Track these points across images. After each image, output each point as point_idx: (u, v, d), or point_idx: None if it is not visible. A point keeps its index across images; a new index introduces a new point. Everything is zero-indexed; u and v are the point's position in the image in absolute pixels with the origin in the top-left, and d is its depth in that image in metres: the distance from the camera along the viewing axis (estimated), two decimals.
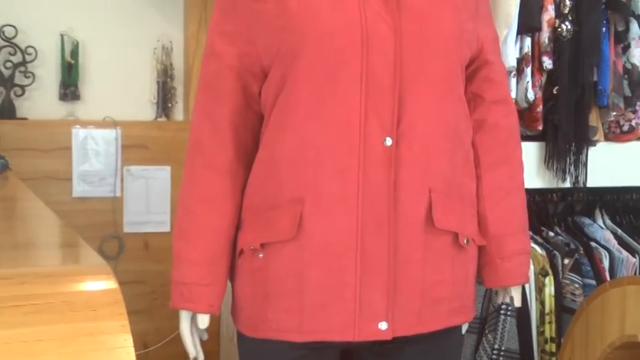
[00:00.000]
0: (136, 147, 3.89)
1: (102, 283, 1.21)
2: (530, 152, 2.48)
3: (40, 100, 3.78)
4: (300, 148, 1.65)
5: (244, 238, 1.74)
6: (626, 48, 2.50)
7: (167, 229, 3.86)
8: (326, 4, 1.63)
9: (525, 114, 2.46)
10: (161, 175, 3.91)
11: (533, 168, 2.48)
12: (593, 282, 2.56)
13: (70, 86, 3.80)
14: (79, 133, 3.79)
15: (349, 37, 1.61)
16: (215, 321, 1.75)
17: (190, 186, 1.77)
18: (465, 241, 1.74)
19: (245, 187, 1.76)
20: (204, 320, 1.76)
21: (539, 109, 2.45)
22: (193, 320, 1.77)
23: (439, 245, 1.70)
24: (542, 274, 2.51)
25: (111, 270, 1.24)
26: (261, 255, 1.70)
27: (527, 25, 2.37)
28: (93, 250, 1.47)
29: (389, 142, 1.63)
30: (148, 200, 3.89)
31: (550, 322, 2.54)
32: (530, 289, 2.49)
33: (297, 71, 1.64)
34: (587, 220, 2.78)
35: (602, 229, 2.73)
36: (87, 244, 1.51)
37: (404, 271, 1.66)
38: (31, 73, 3.73)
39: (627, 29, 2.48)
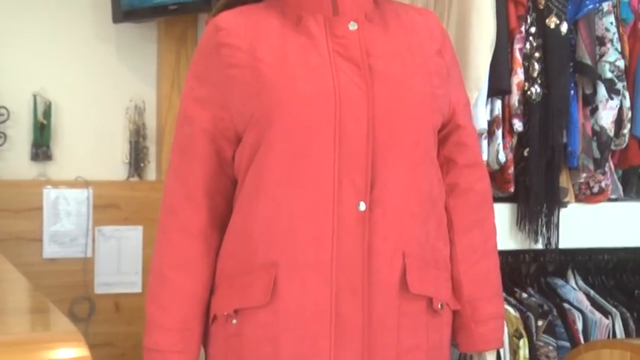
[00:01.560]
0: (108, 207, 3.87)
1: (72, 350, 1.20)
2: (503, 214, 2.49)
3: (12, 161, 3.76)
4: (274, 213, 1.65)
5: (218, 303, 1.73)
6: (594, 110, 2.53)
7: (139, 289, 3.82)
8: (300, 70, 1.65)
9: (497, 176, 2.47)
10: (133, 235, 3.89)
11: (505, 229, 2.49)
12: (567, 344, 2.55)
13: (41, 146, 3.78)
14: (50, 194, 3.77)
15: (323, 103, 1.63)
16: None
17: (163, 250, 1.76)
18: (440, 306, 1.74)
19: (218, 251, 1.76)
20: None
21: (511, 170, 2.46)
22: None
23: (414, 310, 1.69)
24: (516, 335, 2.51)
25: (82, 336, 1.22)
26: (234, 321, 1.69)
27: (497, 88, 2.39)
28: (63, 314, 1.45)
29: (362, 207, 1.63)
30: (120, 261, 3.86)
31: None
32: (505, 351, 2.48)
33: (271, 136, 1.65)
34: (559, 282, 2.78)
35: (574, 290, 2.73)
36: (57, 309, 1.49)
37: (379, 337, 1.65)
38: (3, 133, 3.72)
39: (594, 92, 2.51)
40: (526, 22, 2.45)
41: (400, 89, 1.68)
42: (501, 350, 2.45)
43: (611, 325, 2.63)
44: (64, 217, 3.78)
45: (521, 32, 2.44)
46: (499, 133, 2.43)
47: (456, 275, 1.80)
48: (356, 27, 1.71)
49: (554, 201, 2.49)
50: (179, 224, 1.75)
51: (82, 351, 1.19)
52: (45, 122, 3.78)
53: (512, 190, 2.49)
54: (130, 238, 3.88)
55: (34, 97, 3.78)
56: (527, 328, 2.54)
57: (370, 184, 1.64)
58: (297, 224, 1.63)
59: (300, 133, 1.63)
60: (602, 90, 2.52)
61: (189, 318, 1.73)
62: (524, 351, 2.51)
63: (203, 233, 1.74)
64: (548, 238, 2.48)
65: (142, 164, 3.98)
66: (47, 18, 3.83)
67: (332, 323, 1.63)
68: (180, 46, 3.93)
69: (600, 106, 2.53)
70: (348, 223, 1.63)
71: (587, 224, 2.59)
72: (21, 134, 3.78)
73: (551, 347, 2.53)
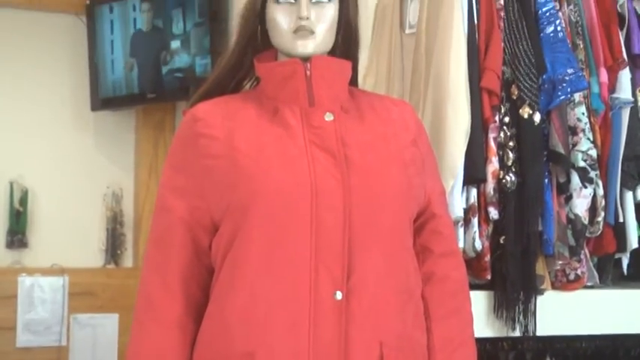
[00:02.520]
0: (84, 294, 3.85)
1: None
2: (480, 301, 2.49)
3: None
4: (251, 303, 1.65)
5: None
6: (569, 199, 2.55)
7: None
8: (276, 160, 1.67)
9: (473, 263, 2.47)
10: (108, 323, 3.86)
11: (482, 317, 2.48)
12: None
13: (17, 234, 3.78)
14: (25, 281, 3.75)
15: (299, 193, 1.64)
16: None
17: (139, 340, 1.75)
18: None
19: (195, 342, 1.74)
20: None
21: (487, 258, 2.47)
22: None
23: None
24: None
25: None
26: None
27: (473, 176, 2.41)
28: None
29: (339, 296, 1.63)
30: (95, 349, 3.82)
31: None
32: None
33: (248, 226, 1.66)
34: None
35: None
36: None
37: None
38: None
39: (568, 181, 2.53)
40: (500, 111, 2.48)
41: (376, 179, 1.69)
42: None
43: None
44: (39, 305, 3.75)
45: (496, 122, 2.46)
46: (475, 221, 2.44)
47: None
48: (332, 118, 1.73)
49: (530, 288, 2.49)
50: (155, 314, 1.74)
51: None
52: (21, 209, 3.78)
53: (488, 277, 2.49)
54: (106, 326, 3.85)
55: (11, 184, 3.79)
56: None
57: (347, 273, 1.64)
58: (273, 313, 1.63)
59: (277, 223, 1.64)
60: (575, 178, 2.54)
61: None
62: None
63: (179, 323, 1.72)
64: (526, 326, 2.48)
65: (118, 251, 3.98)
66: (26, 105, 3.87)
67: None
68: (158, 134, 3.97)
69: (574, 195, 2.55)
70: (325, 312, 1.62)
71: (564, 312, 2.59)
72: None
73: None
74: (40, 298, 3.75)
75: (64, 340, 3.77)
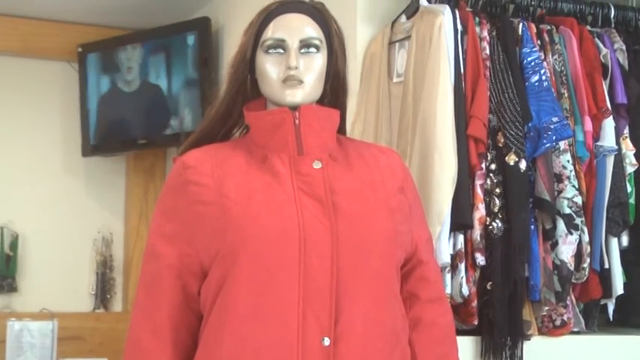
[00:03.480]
0: (73, 339, 3.84)
1: None
2: (467, 347, 2.49)
3: None
4: (239, 348, 1.65)
5: None
6: (555, 245, 2.56)
7: None
8: (264, 207, 1.68)
9: (460, 309, 2.48)
10: None
11: None
12: None
13: (7, 278, 3.77)
14: (14, 326, 3.73)
15: (287, 240, 1.65)
16: None
17: None
18: None
19: None
20: None
21: (474, 304, 2.48)
22: None
23: None
24: None
25: None
26: None
27: (460, 222, 2.43)
28: None
29: (327, 342, 1.64)
30: None
31: None
32: None
33: (237, 272, 1.66)
34: None
35: None
36: None
37: None
38: None
39: (554, 227, 2.55)
40: (486, 159, 2.50)
41: (363, 226, 1.71)
42: None
43: None
44: (28, 350, 3.73)
45: (482, 169, 2.49)
46: (462, 266, 2.45)
47: None
48: (320, 165, 1.74)
49: (517, 334, 2.50)
50: (144, 359, 1.74)
51: None
52: (11, 254, 3.78)
53: (475, 323, 2.50)
54: None
55: (1, 229, 3.79)
56: None
57: (334, 319, 1.65)
58: (262, 359, 1.63)
59: (265, 269, 1.65)
60: (561, 225, 2.56)
61: None
62: None
63: None
64: None
65: (108, 295, 3.97)
66: (17, 149, 3.88)
67: None
68: (148, 179, 3.98)
69: (560, 241, 2.56)
70: (313, 358, 1.63)
71: (551, 357, 2.60)
72: None
73: None
74: (30, 343, 3.73)
75: None
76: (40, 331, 3.75)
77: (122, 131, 3.78)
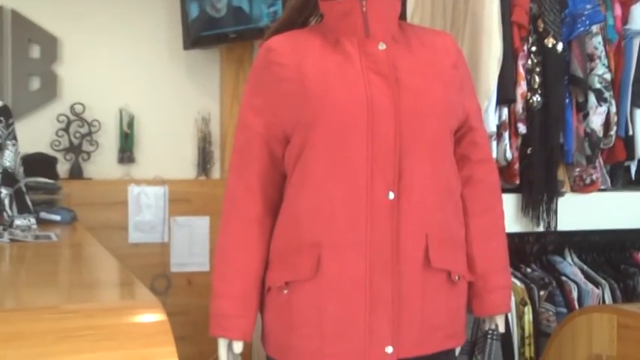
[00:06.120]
0: (181, 201, 3.91)
1: (153, 316, 1.21)
2: (510, 202, 2.47)
3: (102, 163, 3.81)
4: (318, 202, 1.65)
5: (271, 277, 1.73)
6: (586, 116, 2.50)
7: (207, 269, 3.85)
8: (337, 82, 1.65)
9: (505, 170, 2.45)
10: (202, 224, 3.92)
11: (512, 215, 2.47)
12: (565, 310, 2.53)
13: (126, 151, 3.83)
14: (133, 190, 3.81)
15: (357, 109, 1.62)
16: (247, 347, 1.73)
17: (226, 234, 1.77)
18: (457, 278, 1.73)
19: (272, 234, 1.76)
20: (238, 346, 1.74)
21: (516, 166, 2.44)
22: (229, 346, 1.75)
23: (435, 281, 1.68)
24: (522, 303, 2.48)
25: (161, 304, 1.23)
26: (285, 291, 1.69)
27: (504, 97, 2.37)
28: (145, 287, 1.46)
29: (391, 196, 1.62)
30: (191, 245, 3.89)
31: (529, 345, 2.50)
32: (512, 316, 2.46)
33: (314, 138, 1.65)
34: (558, 259, 2.75)
35: (571, 266, 2.70)
36: (140, 283, 1.51)
37: (406, 304, 1.64)
38: (96, 141, 3.77)
39: (586, 100, 2.48)
40: (528, 42, 2.43)
41: (422, 98, 1.67)
42: (509, 315, 2.43)
43: (601, 294, 2.60)
44: (145, 210, 3.82)
45: (524, 51, 2.42)
46: (506, 135, 2.41)
47: (470, 252, 1.79)
48: (384, 47, 1.70)
49: (553, 191, 2.46)
50: (239, 212, 1.75)
51: (161, 316, 1.20)
52: (129, 132, 3.83)
53: (517, 182, 2.47)
54: (200, 226, 3.91)
55: (120, 111, 3.83)
56: (531, 297, 2.51)
57: (398, 177, 1.63)
58: (337, 211, 1.63)
59: (339, 135, 1.63)
60: (592, 98, 2.49)
61: (248, 289, 1.73)
62: (528, 316, 2.49)
63: (259, 219, 1.74)
64: (548, 222, 2.46)
65: (208, 165, 4.01)
66: (130, 46, 3.88)
67: (367, 293, 1.62)
68: (238, 67, 3.96)
69: (591, 112, 2.50)
70: (380, 210, 1.62)
71: (581, 210, 2.56)
72: (109, 142, 3.83)
73: (551, 313, 2.51)
74: (146, 204, 3.81)
75: (166, 237, 3.84)
76: (155, 195, 3.83)
77: (216, 27, 3.74)
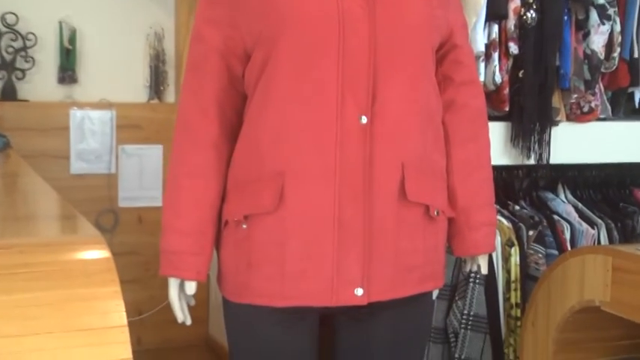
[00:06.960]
0: (130, 127, 3.89)
1: (96, 252, 1.21)
2: (497, 131, 2.48)
3: (40, 83, 3.77)
4: (282, 125, 1.64)
5: (229, 209, 1.73)
6: (586, 35, 2.50)
7: (159, 203, 3.81)
8: None
9: (493, 96, 2.46)
10: (154, 154, 3.91)
11: (500, 146, 2.48)
12: (556, 252, 2.57)
13: (67, 70, 3.78)
14: (76, 114, 3.78)
15: (326, 22, 1.60)
16: (203, 289, 1.74)
17: (178, 161, 1.76)
18: (436, 213, 1.74)
19: (230, 161, 1.75)
20: (191, 287, 1.75)
21: (506, 91, 2.45)
22: (181, 287, 1.76)
23: (411, 216, 1.69)
24: (508, 244, 2.52)
25: (104, 240, 1.23)
26: (244, 226, 1.69)
27: (495, 12, 2.37)
28: (88, 222, 1.46)
29: (364, 120, 1.62)
30: (142, 177, 3.89)
31: (515, 290, 2.55)
32: (497, 258, 2.50)
33: (278, 54, 1.63)
34: (550, 195, 2.79)
35: (564, 203, 2.73)
36: (83, 217, 1.50)
37: (378, 241, 1.66)
38: (31, 57, 3.72)
39: (587, 18, 2.48)
40: None
41: (400, 9, 1.65)
42: (494, 257, 2.47)
43: (596, 235, 2.65)
44: (90, 137, 3.79)
45: None
46: (496, 55, 2.41)
47: (451, 185, 1.80)
48: None
49: (546, 120, 2.48)
50: (192, 136, 1.74)
51: (104, 253, 1.20)
52: (70, 47, 3.78)
53: (507, 109, 2.48)
54: (151, 156, 3.90)
55: (60, 23, 3.76)
56: (518, 237, 2.55)
57: (372, 99, 1.62)
58: (302, 136, 1.63)
59: (305, 50, 1.61)
60: (594, 15, 2.49)
61: (203, 222, 1.73)
62: (515, 258, 2.53)
63: (215, 144, 1.73)
64: (540, 155, 2.48)
65: (161, 87, 3.98)
66: None
67: (335, 227, 1.63)
68: None
69: (592, 31, 2.50)
70: (351, 135, 1.62)
71: (577, 142, 2.59)
72: (48, 59, 3.78)
73: (540, 255, 2.55)
74: (91, 130, 3.79)
75: (114, 168, 3.83)
76: (100, 120, 3.80)
77: None
